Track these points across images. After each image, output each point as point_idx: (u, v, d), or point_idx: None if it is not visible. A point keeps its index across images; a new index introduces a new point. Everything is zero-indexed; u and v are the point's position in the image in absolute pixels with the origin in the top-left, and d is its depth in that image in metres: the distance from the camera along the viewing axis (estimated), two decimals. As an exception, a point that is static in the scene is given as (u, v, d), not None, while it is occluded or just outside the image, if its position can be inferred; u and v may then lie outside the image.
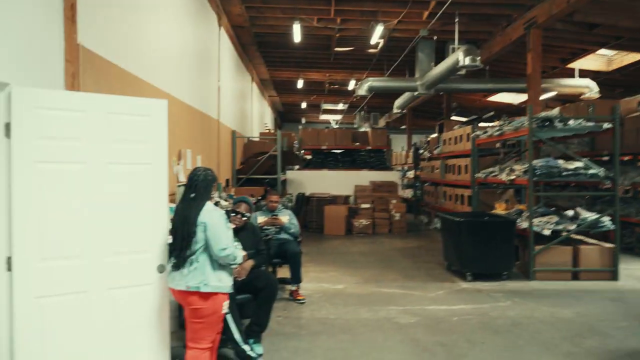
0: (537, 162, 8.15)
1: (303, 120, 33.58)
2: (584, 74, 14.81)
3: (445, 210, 12.06)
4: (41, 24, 3.69)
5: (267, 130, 20.91)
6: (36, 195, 3.25)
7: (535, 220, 8.05)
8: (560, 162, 8.23)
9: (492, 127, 10.25)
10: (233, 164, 12.30)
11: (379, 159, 15.69)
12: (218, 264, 3.68)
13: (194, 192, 3.74)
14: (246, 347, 4.40)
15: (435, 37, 12.77)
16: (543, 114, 8.65)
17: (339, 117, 30.39)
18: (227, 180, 11.40)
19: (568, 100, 16.38)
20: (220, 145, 10.75)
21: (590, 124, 8.31)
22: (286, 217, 6.88)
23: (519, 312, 6.24)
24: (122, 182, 3.62)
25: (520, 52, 12.09)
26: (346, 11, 11.47)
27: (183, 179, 6.89)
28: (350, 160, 15.66)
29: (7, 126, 3.17)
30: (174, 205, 4.47)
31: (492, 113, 22.51)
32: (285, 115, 32.99)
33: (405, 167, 21.35)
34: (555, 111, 11.05)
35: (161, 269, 3.73)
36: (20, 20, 3.38)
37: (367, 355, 4.84)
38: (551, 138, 9.02)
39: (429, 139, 17.13)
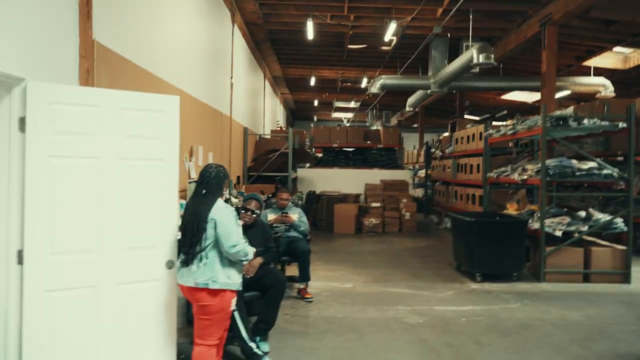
0: (550, 162, 8.11)
1: (315, 118, 33.59)
2: (599, 72, 14.70)
3: (456, 210, 12.04)
4: (56, 19, 3.74)
5: (279, 128, 20.93)
6: (49, 189, 3.30)
7: (547, 221, 8.02)
8: (574, 162, 8.19)
9: (505, 126, 10.21)
10: (244, 161, 12.34)
11: (390, 158, 15.67)
12: (227, 261, 3.71)
13: (205, 188, 3.77)
14: (253, 345, 4.43)
15: (449, 35, 12.75)
16: (557, 112, 8.57)
17: (350, 115, 30.37)
18: (238, 178, 11.45)
19: (583, 99, 16.27)
20: (232, 142, 10.80)
21: (605, 123, 8.24)
22: (296, 215, 6.91)
23: (529, 314, 6.23)
24: (133, 178, 3.65)
25: (535, 49, 12.03)
26: (360, 8, 11.48)
27: (194, 175, 6.95)
28: (361, 158, 15.66)
29: (22, 120, 3.22)
30: (184, 202, 4.53)
31: (505, 112, 22.42)
32: (297, 113, 33.03)
33: (417, 166, 21.31)
34: (570, 110, 10.97)
35: (170, 265, 3.77)
36: (35, 15, 3.43)
37: (374, 355, 4.86)
38: (565, 137, 8.97)
39: (441, 137, 17.06)
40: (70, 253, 3.41)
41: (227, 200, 6.63)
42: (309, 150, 15.42)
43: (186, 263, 3.65)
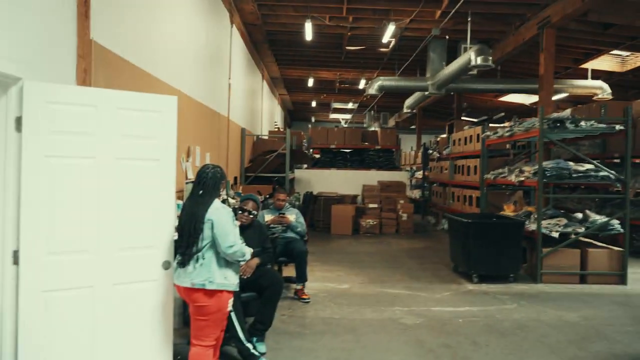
0: (547, 164, 8.12)
1: (313, 119, 33.58)
2: (597, 74, 14.73)
3: (453, 211, 12.04)
4: (54, 19, 3.73)
5: (277, 129, 20.93)
6: (45, 189, 3.28)
7: (544, 222, 8.02)
8: (571, 164, 8.20)
9: (503, 127, 10.22)
10: (242, 162, 12.33)
11: (387, 159, 15.67)
12: (224, 262, 3.70)
13: (202, 189, 3.76)
14: (249, 346, 4.42)
15: (447, 37, 12.75)
16: (554, 115, 8.59)
17: (348, 116, 30.37)
18: (236, 178, 11.44)
19: (580, 101, 16.30)
20: (230, 142, 10.79)
21: (602, 125, 8.26)
22: (293, 216, 6.90)
23: (525, 314, 6.23)
24: (130, 178, 3.64)
25: (533, 52, 12.04)
26: (358, 9, 11.48)
27: (191, 175, 6.93)
28: (358, 159, 15.65)
29: (19, 120, 3.21)
30: (181, 202, 4.52)
31: (502, 114, 22.43)
32: (295, 114, 33.02)
33: (414, 168, 21.32)
34: (567, 112, 10.99)
35: (167, 265, 3.76)
36: (33, 15, 3.42)
37: (371, 356, 4.85)
38: (562, 139, 8.98)
39: (438, 139, 17.11)
40: (66, 253, 3.39)
41: (224, 201, 6.62)
42: (306, 151, 15.44)
43: (183, 264, 3.64)
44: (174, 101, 3.91)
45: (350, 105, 25.46)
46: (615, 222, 7.99)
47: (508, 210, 9.53)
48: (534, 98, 16.77)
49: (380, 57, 15.57)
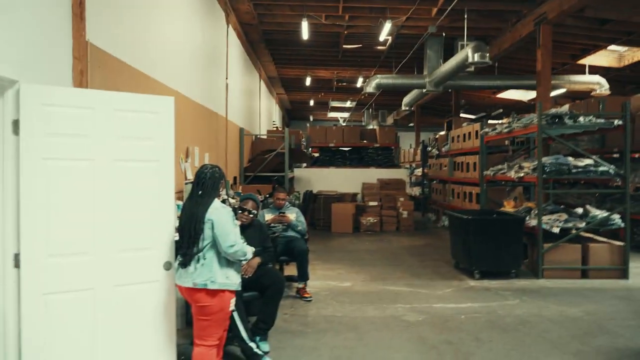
0: (547, 160, 8.11)
1: (311, 118, 33.59)
2: (594, 70, 14.72)
3: (453, 208, 12.03)
4: (49, 21, 3.71)
5: (275, 128, 20.92)
6: (44, 192, 3.27)
7: (544, 218, 8.01)
8: (570, 159, 8.18)
9: (501, 124, 10.20)
10: (241, 162, 12.31)
11: (386, 157, 15.67)
12: (226, 261, 3.69)
13: (201, 189, 3.74)
14: (252, 345, 4.41)
15: (443, 34, 12.75)
16: (553, 110, 8.58)
17: (346, 114, 30.38)
18: (235, 178, 11.42)
19: (578, 97, 16.30)
20: (228, 142, 10.77)
21: (601, 120, 8.23)
22: (293, 215, 6.89)
23: (527, 310, 6.22)
24: (128, 179, 3.63)
25: (530, 48, 12.05)
26: (354, 8, 11.47)
27: (191, 176, 6.92)
28: (358, 157, 15.64)
29: (16, 123, 3.19)
30: (181, 203, 4.50)
31: (500, 110, 22.44)
32: (293, 113, 33.02)
33: (413, 165, 21.31)
34: (565, 108, 10.98)
35: (168, 266, 3.75)
36: (28, 17, 3.40)
37: (374, 354, 4.84)
38: (561, 135, 8.98)
39: (437, 136, 17.09)
40: (67, 255, 3.38)
41: (224, 201, 6.60)
42: (305, 150, 15.40)
43: (184, 264, 3.62)
44: (170, 102, 3.90)
45: (348, 104, 25.46)
46: (616, 217, 7.97)
47: (508, 207, 9.51)
48: (532, 94, 16.79)
49: (377, 55, 15.56)
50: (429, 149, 17.14)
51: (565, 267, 7.85)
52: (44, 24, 3.63)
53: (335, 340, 5.18)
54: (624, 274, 7.80)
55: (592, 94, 14.14)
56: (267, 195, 9.47)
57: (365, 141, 15.59)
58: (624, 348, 4.99)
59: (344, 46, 14.60)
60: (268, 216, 6.77)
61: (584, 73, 14.62)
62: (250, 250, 3.83)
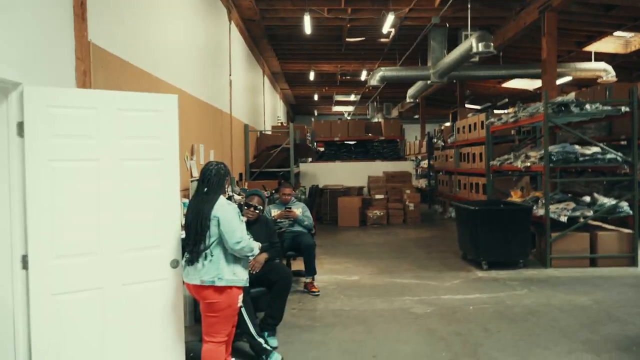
0: (553, 148, 8.08)
1: (315, 113, 33.54)
2: (600, 57, 14.61)
3: (460, 199, 12.02)
4: (51, 22, 3.72)
5: (280, 124, 20.92)
6: (50, 193, 3.29)
7: (552, 207, 7.99)
8: (577, 147, 8.16)
9: (507, 113, 10.17)
10: (246, 158, 12.33)
11: (392, 150, 15.65)
12: (233, 258, 3.71)
13: (206, 186, 3.77)
14: (261, 340, 4.44)
15: (447, 25, 12.69)
16: (559, 99, 8.54)
17: (351, 108, 30.32)
18: (241, 175, 11.45)
19: (584, 84, 16.20)
20: (233, 139, 10.79)
21: (608, 107, 8.21)
22: (299, 210, 6.90)
23: (536, 300, 6.21)
24: (134, 179, 3.64)
25: (535, 36, 11.95)
26: (357, 1, 11.44)
27: (196, 173, 6.94)
28: (363, 151, 15.64)
29: (20, 125, 3.21)
30: (187, 201, 4.53)
31: (506, 100, 22.34)
32: (297, 108, 32.99)
33: (419, 157, 21.28)
34: (571, 96, 10.92)
35: (175, 264, 3.77)
36: (29, 19, 3.42)
37: (382, 346, 4.86)
38: (567, 123, 8.94)
39: (442, 127, 17.04)
40: (74, 256, 3.40)
41: (230, 198, 6.63)
42: (310, 145, 15.42)
43: (191, 261, 3.65)
44: (174, 100, 3.90)
45: (352, 97, 25.43)
46: (624, 204, 7.94)
47: (515, 197, 9.50)
48: (538, 83, 16.71)
49: (381, 47, 15.52)
50: (435, 140, 17.10)
51: (574, 256, 7.83)
52: (46, 25, 3.65)
53: (344, 334, 5.20)
54: (632, 261, 7.77)
55: (599, 81, 14.04)
56: (273, 191, 9.49)
57: (370, 134, 15.58)
58: (633, 336, 4.98)
59: (347, 39, 14.57)
60: (274, 212, 6.79)
61: (590, 60, 14.53)
62: (257, 246, 3.84)
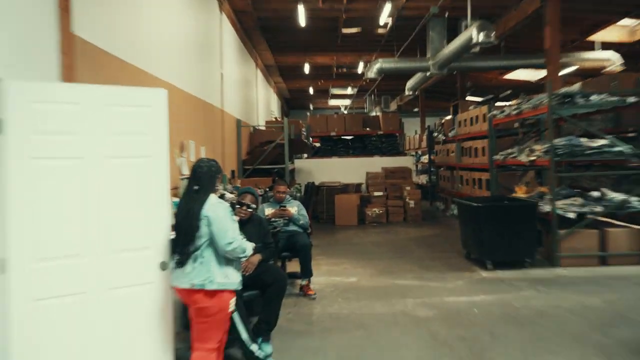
0: (559, 141, 8.04)
1: (311, 107, 33.52)
2: (605, 46, 14.59)
3: (463, 195, 11.98)
4: (34, 14, 3.67)
5: (274, 118, 20.86)
6: (32, 192, 3.22)
7: (559, 203, 7.95)
8: (583, 140, 8.11)
9: (510, 106, 10.13)
10: (239, 155, 12.28)
11: (391, 144, 15.63)
12: (224, 259, 3.65)
13: (197, 184, 3.73)
14: (254, 347, 4.37)
15: (446, 14, 12.63)
16: (563, 90, 8.50)
17: (348, 102, 30.32)
18: (233, 172, 11.39)
19: (589, 74, 16.16)
20: (225, 135, 10.73)
21: (614, 98, 8.17)
22: (295, 208, 6.85)
23: (544, 301, 6.16)
24: (120, 177, 3.59)
25: (537, 25, 11.89)
26: (352, -10, 11.39)
27: (186, 171, 6.88)
28: (361, 146, 15.62)
29: (0, 122, 3.15)
30: (177, 200, 4.46)
31: (509, 92, 22.33)
32: (292, 102, 32.94)
33: (419, 152, 21.26)
34: (576, 87, 10.88)
35: (163, 266, 3.70)
36: (12, 12, 3.36)
37: (383, 353, 4.80)
38: (573, 115, 8.90)
39: (443, 121, 17.01)
40: (57, 258, 3.33)
41: (221, 196, 6.57)
42: (306, 140, 15.35)
43: (181, 263, 3.59)
44: (163, 94, 3.85)
45: (349, 91, 25.40)
46: (634, 200, 7.90)
47: (520, 192, 9.46)
48: (541, 74, 16.69)
49: (378, 38, 15.47)
50: (435, 134, 17.07)
51: (583, 254, 7.79)
52: (28, 17, 3.59)
53: (342, 339, 5.14)
54: (645, 259, 7.75)
55: (604, 70, 14.02)
56: (267, 189, 9.44)
57: (368, 129, 15.55)
58: (647, 338, 4.95)
59: (343, 31, 14.51)
60: (268, 210, 6.74)
61: (594, 49, 14.50)
62: (250, 246, 3.80)
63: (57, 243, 3.34)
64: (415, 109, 28.48)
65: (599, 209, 7.84)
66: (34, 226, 3.24)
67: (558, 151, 7.91)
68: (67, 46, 4.08)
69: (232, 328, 4.14)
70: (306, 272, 6.68)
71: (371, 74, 14.12)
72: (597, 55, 14.11)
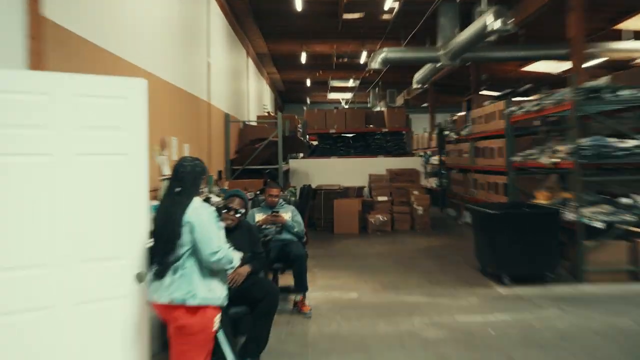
0: (584, 142, 8.04)
1: (308, 101, 33.57)
2: (636, 35, 14.61)
3: (477, 201, 11.99)
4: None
5: (266, 113, 20.88)
6: (-10, 194, 3.19)
7: (585, 211, 7.94)
8: (612, 140, 8.12)
9: (530, 101, 10.14)
10: (226, 153, 12.27)
11: (397, 143, 15.66)
12: (208, 271, 3.64)
13: (179, 186, 3.72)
14: (242, 370, 4.36)
15: (459, -1, 12.66)
16: (589, 84, 8.51)
17: (349, 95, 30.38)
18: (220, 172, 11.37)
19: (618, 67, 16.20)
20: (212, 131, 10.72)
21: (647, 94, 8.18)
22: (288, 214, 6.86)
23: (569, 322, 6.15)
24: (93, 177, 3.56)
25: (560, 12, 11.93)
26: (355, -30, 11.40)
27: (167, 171, 6.86)
28: (363, 145, 15.64)
29: (-46, 113, 3.12)
30: (156, 203, 4.43)
31: (528, 86, 22.34)
32: (287, 95, 33.00)
33: (429, 152, 21.31)
34: (604, 80, 10.89)
35: (140, 278, 3.66)
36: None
37: (388, 376, 4.79)
38: (600, 112, 8.90)
39: (455, 118, 17.03)
40: (20, 268, 3.29)
41: (206, 200, 6.54)
42: (302, 138, 15.36)
43: (159, 275, 3.58)
44: (142, 85, 3.82)
45: (351, 83, 25.45)
46: (670, 207, 7.91)
47: (541, 198, 9.47)
48: (565, 66, 16.73)
49: (383, 25, 15.49)
50: (446, 132, 17.09)
51: (612, 268, 7.79)
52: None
53: (342, 361, 5.12)
54: (680, 275, 7.75)
55: (634, 62, 14.03)
56: (258, 192, 9.41)
57: (371, 126, 15.57)
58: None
59: (344, 16, 14.52)
60: (259, 216, 6.74)
61: (621, 39, 14.52)
62: (237, 256, 3.79)
63: (19, 251, 3.29)
64: (424, 104, 28.54)
65: (630, 217, 7.84)
66: (-7, 232, 3.20)
67: (584, 152, 7.91)
68: (36, 30, 4.06)
69: (217, 349, 4.10)
70: (301, 286, 6.66)
71: (375, 64, 14.14)
72: (627, 46, 14.13)
